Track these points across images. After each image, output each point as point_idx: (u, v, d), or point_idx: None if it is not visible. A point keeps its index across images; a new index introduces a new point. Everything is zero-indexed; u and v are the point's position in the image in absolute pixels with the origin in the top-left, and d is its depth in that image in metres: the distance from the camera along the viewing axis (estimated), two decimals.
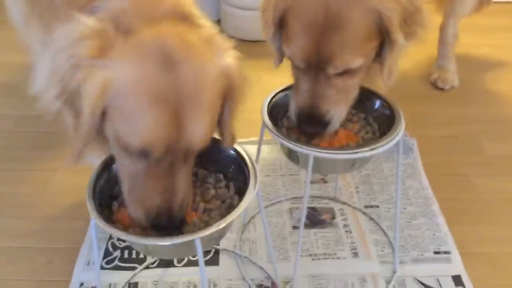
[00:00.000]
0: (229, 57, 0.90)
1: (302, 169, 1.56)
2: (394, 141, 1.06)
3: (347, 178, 1.58)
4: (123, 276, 1.27)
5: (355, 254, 1.33)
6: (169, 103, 0.81)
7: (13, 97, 1.94)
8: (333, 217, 1.45)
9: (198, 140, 0.86)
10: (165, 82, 0.81)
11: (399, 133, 1.08)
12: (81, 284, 1.24)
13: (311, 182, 1.56)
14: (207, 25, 0.94)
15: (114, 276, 1.27)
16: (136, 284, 1.25)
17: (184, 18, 0.91)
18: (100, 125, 0.85)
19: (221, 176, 1.05)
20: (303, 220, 1.12)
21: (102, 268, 1.29)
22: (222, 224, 0.87)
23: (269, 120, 1.12)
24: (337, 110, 1.13)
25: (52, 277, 1.27)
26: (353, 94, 1.15)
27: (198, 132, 0.85)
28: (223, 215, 0.92)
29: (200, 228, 0.92)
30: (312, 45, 1.06)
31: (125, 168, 0.91)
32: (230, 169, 1.05)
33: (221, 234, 0.97)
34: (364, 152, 1.03)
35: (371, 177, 1.59)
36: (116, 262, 1.31)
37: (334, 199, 1.51)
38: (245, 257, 1.31)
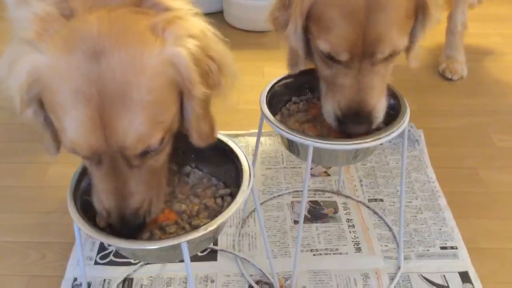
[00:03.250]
0: (183, 45, 0.77)
1: (304, 162, 1.51)
2: (399, 131, 1.02)
3: (350, 171, 1.53)
4: (118, 272, 1.23)
5: (358, 249, 1.29)
6: (91, 99, 0.72)
7: None
8: (336, 211, 1.40)
9: (132, 142, 0.75)
10: (88, 75, 0.72)
11: (405, 122, 1.03)
12: (75, 280, 1.21)
13: (314, 175, 1.52)
14: (177, 6, 0.82)
15: (109, 271, 1.23)
16: (131, 280, 1.22)
17: None
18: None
19: (213, 179, 1.00)
20: (303, 213, 1.08)
21: (96, 263, 1.25)
22: (210, 227, 0.82)
23: (268, 111, 1.07)
24: (382, 101, 1.06)
25: (45, 273, 1.24)
26: (389, 80, 1.10)
27: (130, 132, 0.74)
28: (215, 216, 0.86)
29: (187, 231, 0.87)
30: (357, 30, 0.98)
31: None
32: (223, 167, 0.99)
33: (213, 235, 0.91)
34: (367, 143, 0.98)
35: (376, 169, 1.54)
36: (111, 257, 1.27)
37: (337, 193, 1.46)
38: (244, 258, 1.26)
